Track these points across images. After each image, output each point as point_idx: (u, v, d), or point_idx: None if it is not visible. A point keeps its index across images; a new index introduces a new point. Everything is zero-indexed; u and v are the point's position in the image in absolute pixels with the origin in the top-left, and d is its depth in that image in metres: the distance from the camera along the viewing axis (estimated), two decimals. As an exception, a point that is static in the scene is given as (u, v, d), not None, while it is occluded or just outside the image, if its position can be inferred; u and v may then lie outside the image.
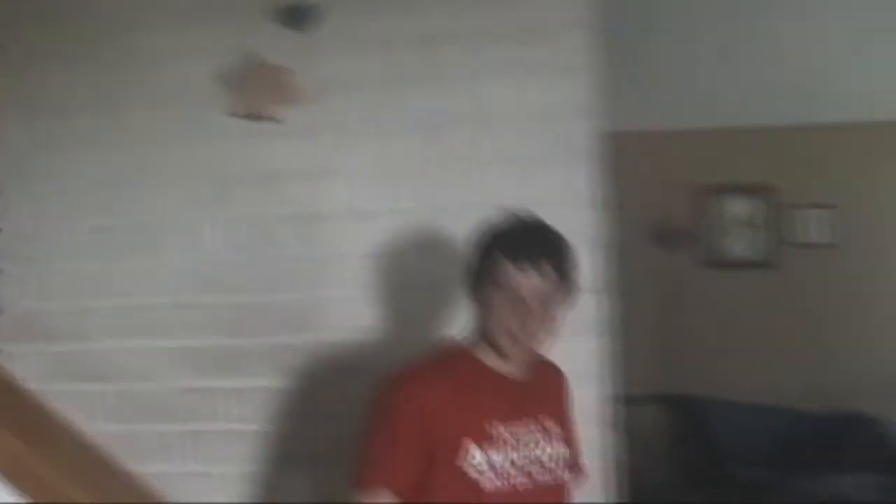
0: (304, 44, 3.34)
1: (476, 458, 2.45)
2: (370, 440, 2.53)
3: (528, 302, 2.46)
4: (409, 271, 3.24)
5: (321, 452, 3.25)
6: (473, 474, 2.44)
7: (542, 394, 2.65)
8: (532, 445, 2.53)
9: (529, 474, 2.50)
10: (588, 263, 3.07)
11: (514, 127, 3.18)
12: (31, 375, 3.47)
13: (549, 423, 2.59)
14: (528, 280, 2.47)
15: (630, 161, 4.98)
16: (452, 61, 3.23)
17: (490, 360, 2.58)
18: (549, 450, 2.56)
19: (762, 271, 7.02)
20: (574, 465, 2.69)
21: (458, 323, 2.84)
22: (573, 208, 3.12)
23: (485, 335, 2.58)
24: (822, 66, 5.90)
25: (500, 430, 2.48)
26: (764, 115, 6.69)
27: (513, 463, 2.48)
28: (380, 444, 2.51)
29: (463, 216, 3.06)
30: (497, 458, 2.46)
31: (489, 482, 2.44)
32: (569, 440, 2.67)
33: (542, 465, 2.53)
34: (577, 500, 2.69)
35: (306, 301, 3.30)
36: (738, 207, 7.02)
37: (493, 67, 3.20)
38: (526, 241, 2.52)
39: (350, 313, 3.26)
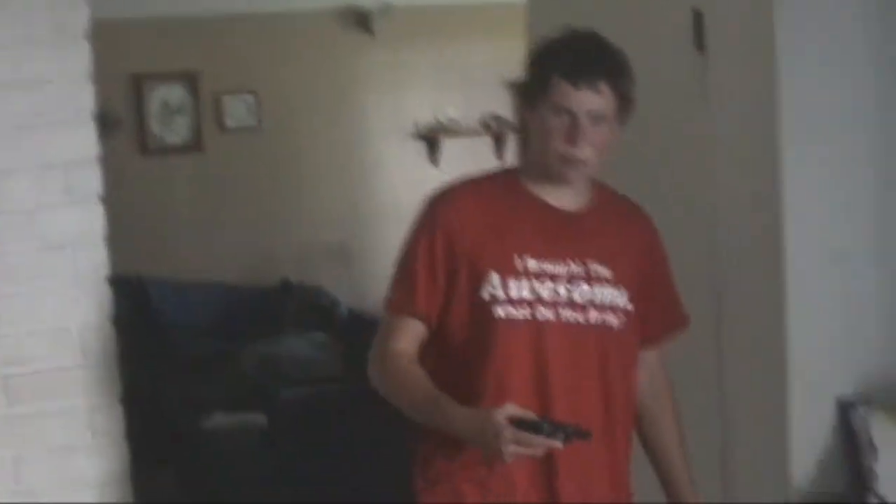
0: None
1: (494, 286, 2.34)
2: (403, 260, 2.43)
3: (580, 120, 2.30)
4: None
5: None
6: (489, 301, 2.33)
7: (599, 232, 2.45)
8: (565, 283, 2.36)
9: (556, 310, 2.35)
10: (84, 140, 3.26)
11: (9, 11, 3.24)
12: None
13: (596, 265, 2.40)
14: (581, 96, 2.31)
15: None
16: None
17: (539, 190, 2.41)
18: (586, 291, 2.38)
19: (192, 156, 7.36)
20: (645, 313, 2.48)
21: None
22: (71, 87, 3.25)
23: (536, 161, 2.41)
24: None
25: (530, 262, 2.35)
26: (190, 5, 6.96)
27: (538, 297, 2.33)
28: (408, 265, 2.41)
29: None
30: (518, 288, 2.33)
31: (503, 310, 2.33)
32: (632, 287, 2.44)
33: (574, 304, 2.36)
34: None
35: None
36: (167, 94, 7.28)
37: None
38: (581, 56, 2.35)
39: None
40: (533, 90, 2.38)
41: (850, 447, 2.87)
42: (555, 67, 2.33)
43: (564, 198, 2.43)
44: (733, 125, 3.06)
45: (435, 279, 2.38)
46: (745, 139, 3.03)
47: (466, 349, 2.39)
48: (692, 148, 3.19)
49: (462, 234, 2.37)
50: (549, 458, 2.32)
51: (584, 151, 2.33)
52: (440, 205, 2.43)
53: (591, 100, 2.31)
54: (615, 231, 2.49)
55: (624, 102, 2.38)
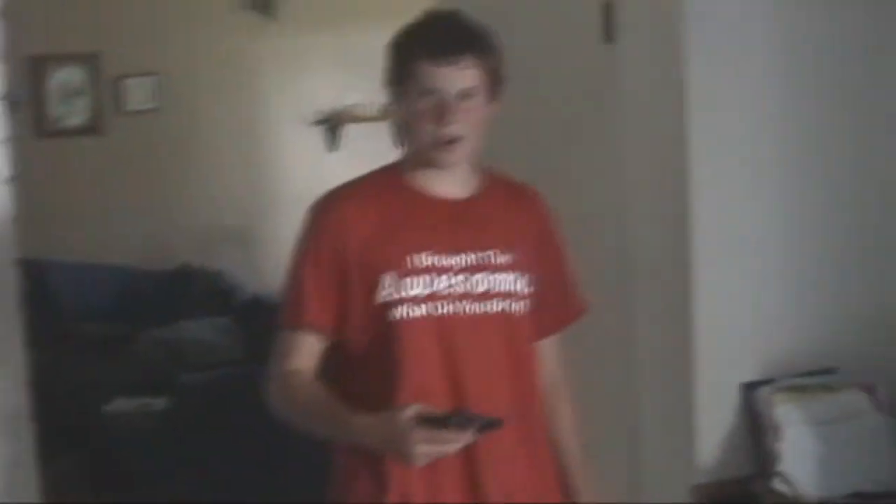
0: None
1: (389, 288, 2.26)
2: (290, 273, 2.33)
3: (446, 98, 2.23)
4: None
5: None
6: (386, 304, 2.25)
7: (493, 217, 2.38)
8: (464, 274, 2.29)
9: (457, 303, 2.28)
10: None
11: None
12: None
13: (495, 252, 2.33)
14: (444, 73, 2.22)
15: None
16: None
17: (423, 182, 2.33)
18: (486, 279, 2.31)
19: (91, 138, 7.25)
20: (544, 299, 2.41)
21: None
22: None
23: (414, 150, 2.31)
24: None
25: (424, 258, 2.27)
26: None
27: (436, 292, 2.26)
28: (298, 277, 2.31)
29: None
30: (414, 286, 2.26)
31: (402, 311, 2.25)
32: (532, 271, 2.38)
33: (475, 295, 2.29)
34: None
35: None
36: (67, 76, 7.15)
37: None
38: (441, 34, 2.27)
39: None
40: (397, 77, 2.30)
41: (754, 428, 2.96)
42: (415, 50, 2.25)
43: (451, 186, 2.35)
44: (642, 116, 3.12)
45: (325, 288, 2.30)
46: (653, 130, 3.09)
47: (371, 356, 2.31)
48: (600, 138, 3.25)
49: (349, 239, 2.29)
50: (471, 461, 2.26)
51: (456, 128, 2.24)
52: (323, 212, 2.34)
53: (455, 76, 2.23)
54: (509, 215, 2.42)
55: (493, 77, 2.30)
